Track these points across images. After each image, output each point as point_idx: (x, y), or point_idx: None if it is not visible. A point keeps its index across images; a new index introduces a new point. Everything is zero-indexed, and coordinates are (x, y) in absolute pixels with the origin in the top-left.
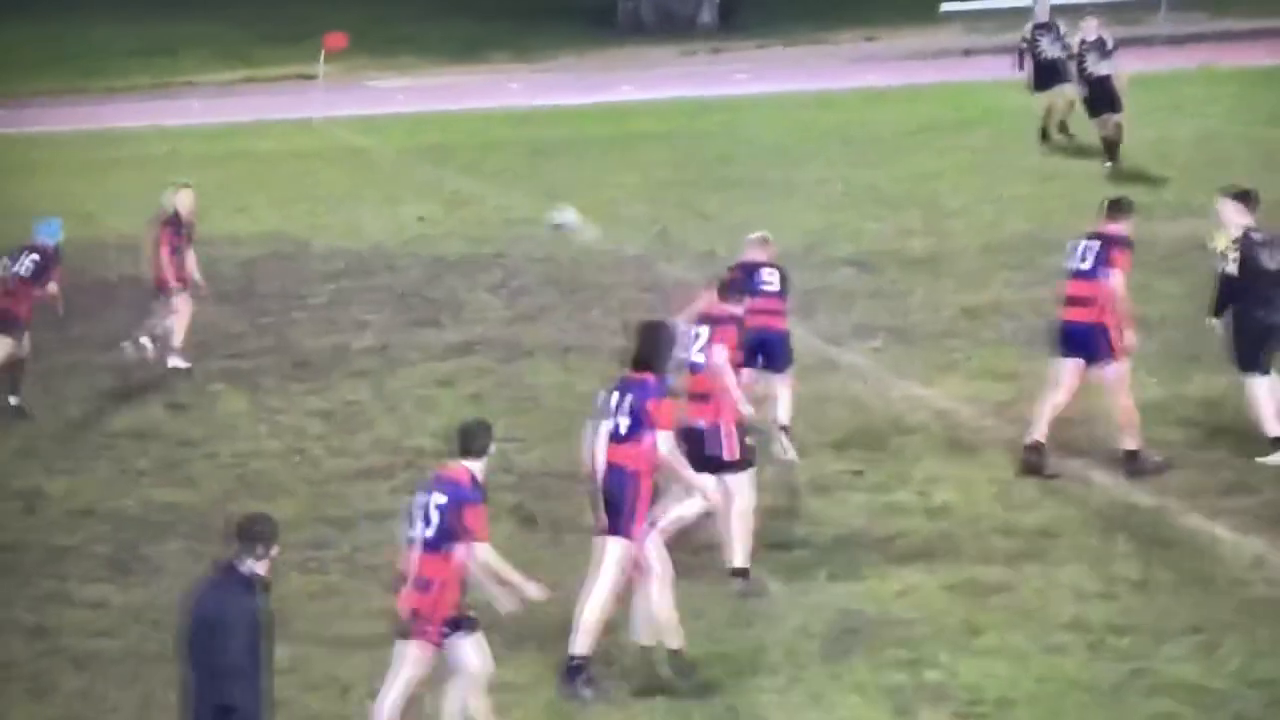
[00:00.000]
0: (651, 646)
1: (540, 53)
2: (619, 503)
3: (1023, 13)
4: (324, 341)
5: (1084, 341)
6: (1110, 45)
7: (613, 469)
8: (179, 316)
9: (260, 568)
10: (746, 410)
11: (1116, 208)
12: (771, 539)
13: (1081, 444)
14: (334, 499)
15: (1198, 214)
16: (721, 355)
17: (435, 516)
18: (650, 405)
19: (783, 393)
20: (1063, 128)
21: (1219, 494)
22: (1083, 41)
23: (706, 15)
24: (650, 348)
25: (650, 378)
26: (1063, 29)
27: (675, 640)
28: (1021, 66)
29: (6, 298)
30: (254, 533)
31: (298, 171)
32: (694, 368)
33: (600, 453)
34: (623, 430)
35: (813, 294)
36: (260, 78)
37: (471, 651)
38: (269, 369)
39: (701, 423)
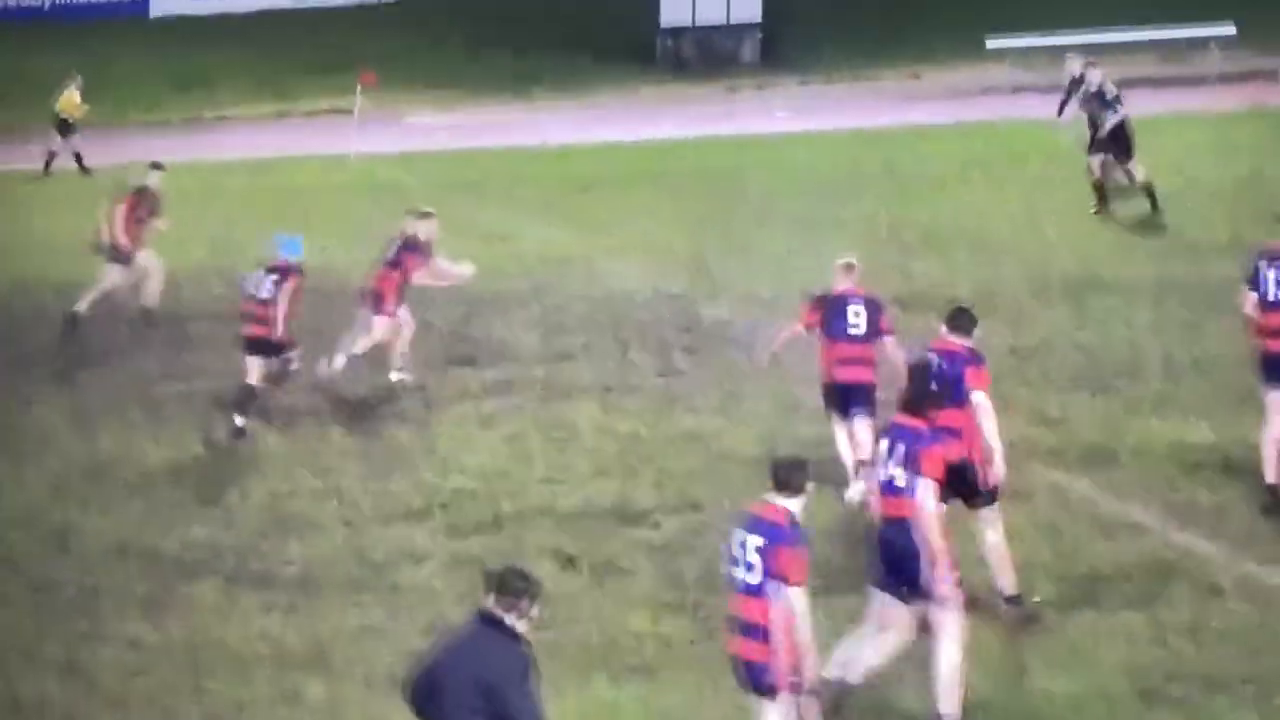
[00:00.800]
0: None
1: (581, 89)
2: (899, 559)
3: (1072, 49)
4: (362, 380)
5: None
6: (1111, 94)
7: (891, 523)
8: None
9: (522, 626)
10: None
11: None
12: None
13: (1131, 486)
14: (372, 540)
15: (1250, 253)
16: (982, 396)
17: (756, 560)
18: (923, 453)
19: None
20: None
21: (1274, 540)
22: (1074, 81)
23: (748, 52)
24: (922, 391)
25: (924, 425)
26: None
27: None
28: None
29: (257, 323)
30: (518, 589)
31: (335, 207)
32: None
33: (876, 507)
34: (899, 483)
35: None
36: (296, 111)
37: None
38: (306, 408)
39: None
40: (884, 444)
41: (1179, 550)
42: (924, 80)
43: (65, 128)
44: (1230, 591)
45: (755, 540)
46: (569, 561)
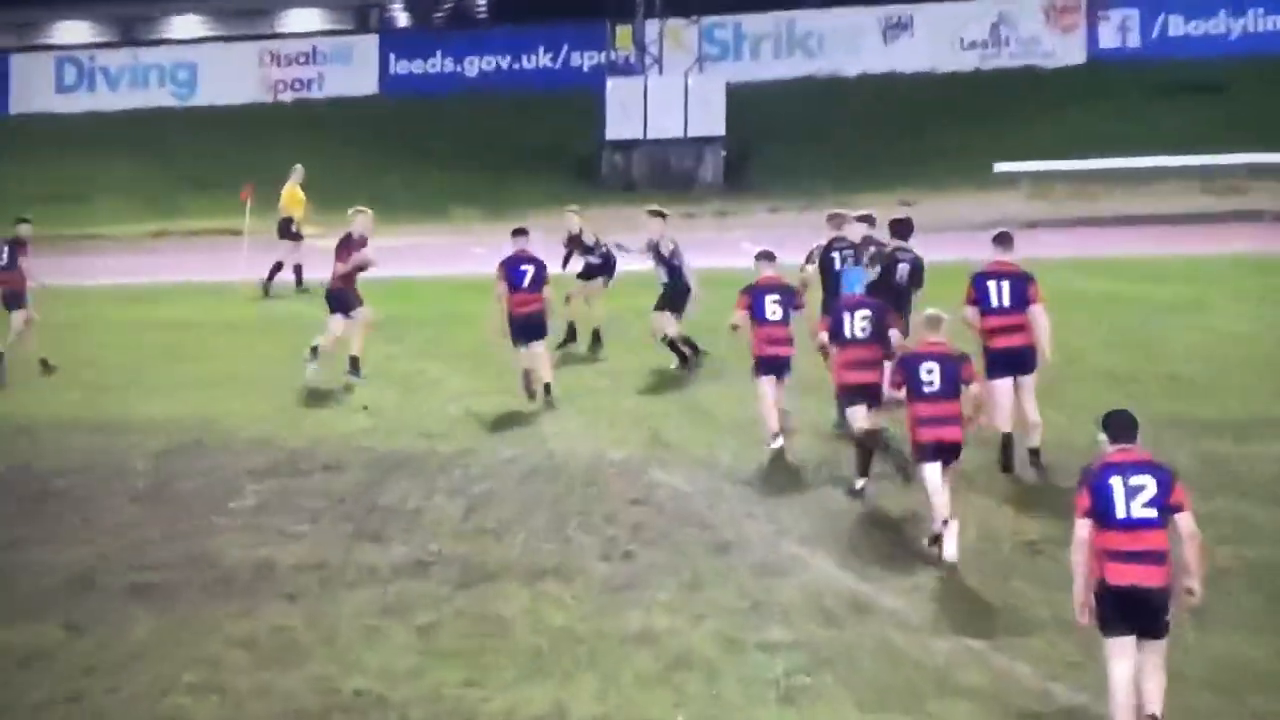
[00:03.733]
0: None
1: (513, 210)
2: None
3: (1094, 176)
4: (249, 555)
5: None
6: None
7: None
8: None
9: None
10: None
11: None
12: None
13: None
14: None
15: None
16: None
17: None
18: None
19: None
20: None
21: None
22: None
23: (709, 171)
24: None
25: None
26: None
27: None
28: None
29: None
30: None
31: (224, 345)
32: None
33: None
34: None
35: None
36: (176, 231)
37: None
38: (184, 585)
39: None
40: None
41: None
42: (918, 209)
43: None
44: None
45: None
46: None
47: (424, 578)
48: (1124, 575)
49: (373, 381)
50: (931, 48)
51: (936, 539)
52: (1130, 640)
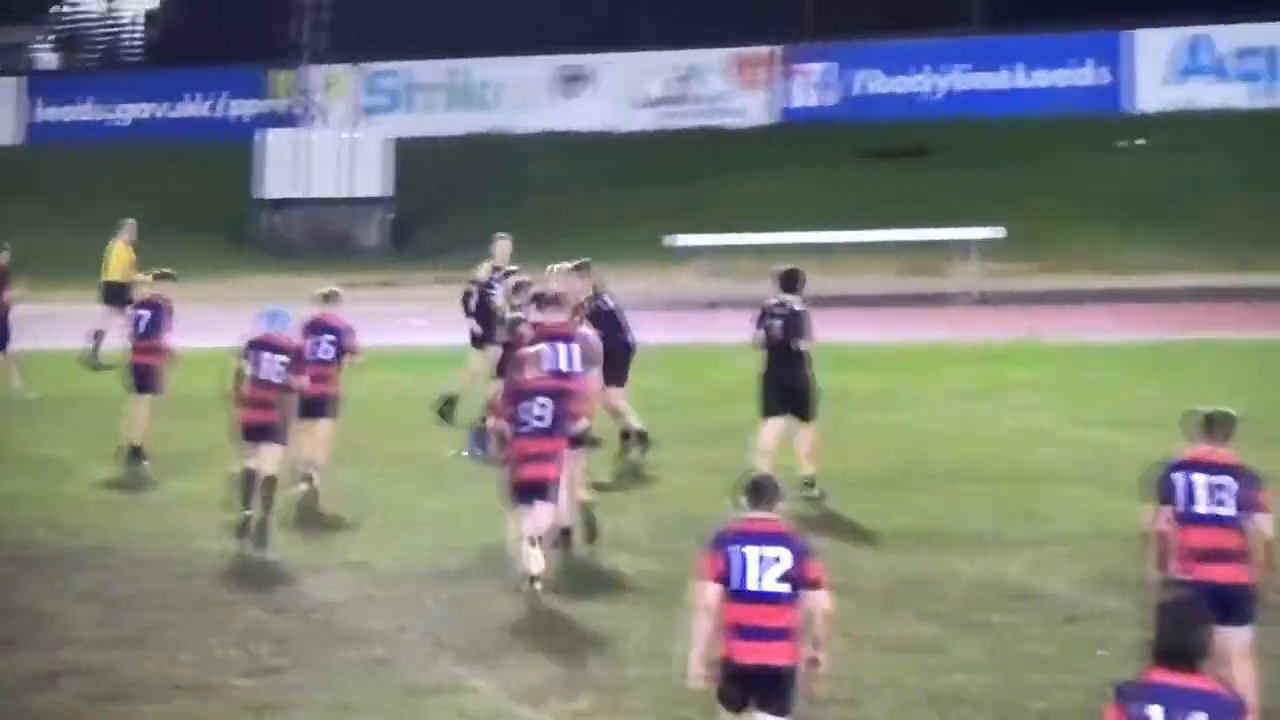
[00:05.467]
0: None
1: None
2: None
3: (782, 251)
4: None
5: None
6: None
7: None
8: None
9: None
10: None
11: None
12: None
13: None
14: None
15: None
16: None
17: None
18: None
19: None
20: None
21: None
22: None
23: (375, 236)
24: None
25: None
26: None
27: None
28: None
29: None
30: None
31: None
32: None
33: None
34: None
35: None
36: None
37: None
38: None
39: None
40: (1155, 714)
41: None
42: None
43: None
44: None
45: None
46: None
47: (52, 690)
48: (751, 654)
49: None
50: (612, 104)
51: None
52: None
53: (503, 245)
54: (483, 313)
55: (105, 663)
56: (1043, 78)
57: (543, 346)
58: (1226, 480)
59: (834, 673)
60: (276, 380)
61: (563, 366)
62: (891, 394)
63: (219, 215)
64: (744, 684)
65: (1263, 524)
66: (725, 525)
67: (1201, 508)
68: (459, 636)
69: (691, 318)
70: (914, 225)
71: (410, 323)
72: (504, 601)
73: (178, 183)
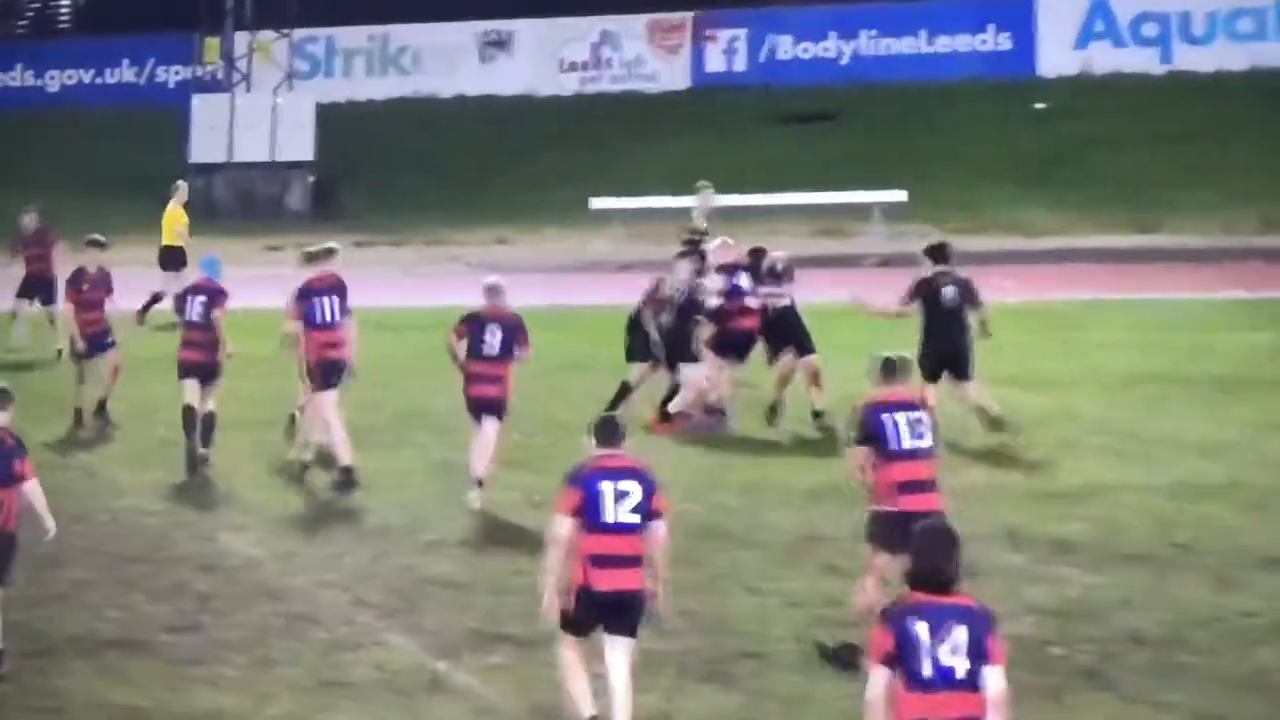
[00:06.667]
0: None
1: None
2: None
3: (688, 215)
4: None
5: None
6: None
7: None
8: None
9: None
10: None
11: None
12: None
13: None
14: None
15: None
16: None
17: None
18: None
19: None
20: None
21: None
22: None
23: (297, 199)
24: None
25: (975, 603)
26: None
27: None
28: None
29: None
30: None
31: None
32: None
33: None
34: (960, 674)
35: None
36: None
37: None
38: None
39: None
40: (921, 630)
41: None
42: (515, 248)
43: None
44: None
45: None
46: None
47: None
48: (610, 580)
49: None
50: (533, 68)
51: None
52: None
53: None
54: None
55: (33, 618)
56: (947, 43)
57: None
58: (922, 415)
59: (742, 628)
60: (198, 320)
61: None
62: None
63: (154, 180)
64: (598, 610)
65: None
66: (580, 463)
67: (906, 443)
68: (377, 593)
69: (609, 280)
70: (823, 189)
71: None
72: (421, 558)
73: (111, 149)
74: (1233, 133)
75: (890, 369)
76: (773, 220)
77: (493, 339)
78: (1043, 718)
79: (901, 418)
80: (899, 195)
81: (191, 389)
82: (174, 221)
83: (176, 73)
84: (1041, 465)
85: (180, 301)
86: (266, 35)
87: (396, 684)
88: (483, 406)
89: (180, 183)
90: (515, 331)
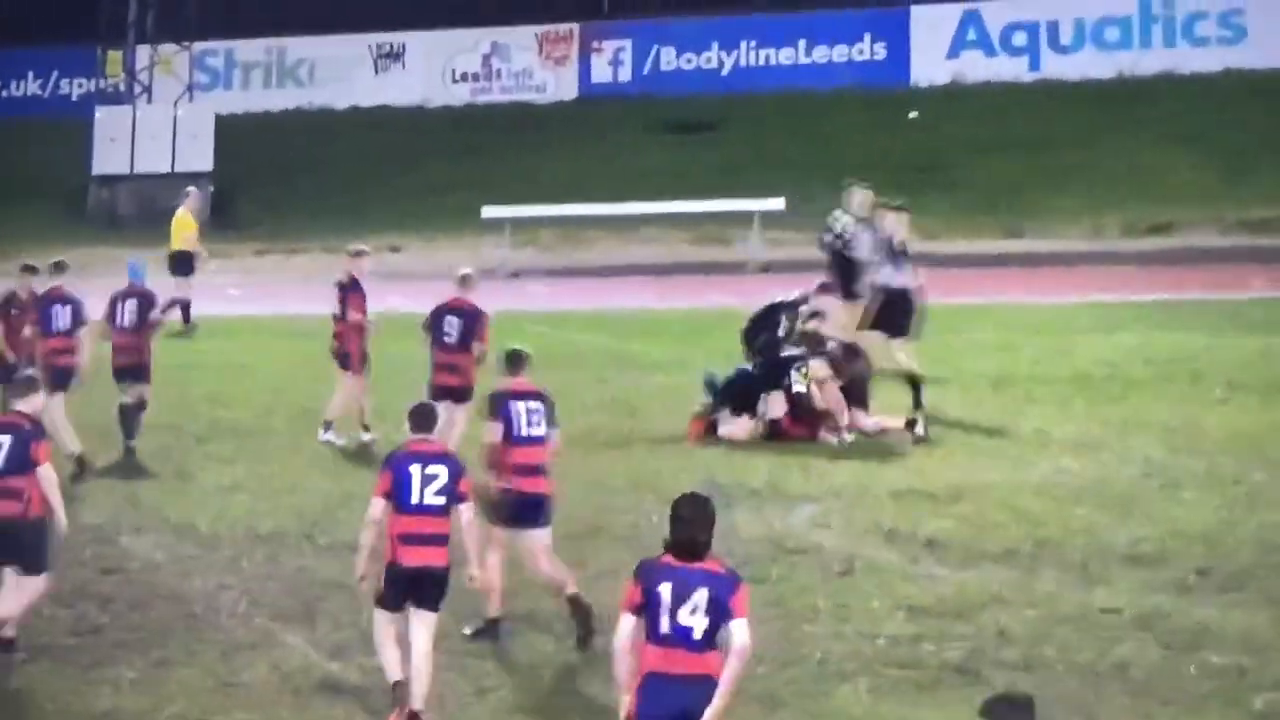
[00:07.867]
0: None
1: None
2: None
3: (582, 222)
4: None
5: None
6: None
7: (690, 682)
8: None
9: None
10: None
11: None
12: None
13: None
14: None
15: None
16: None
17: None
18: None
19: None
20: None
21: None
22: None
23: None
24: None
25: (723, 569)
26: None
27: None
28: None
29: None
30: None
31: None
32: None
33: (650, 665)
34: (697, 635)
35: None
36: None
37: None
38: None
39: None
40: (665, 590)
41: None
42: (407, 256)
43: None
44: None
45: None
46: None
47: None
48: (415, 557)
49: None
50: (424, 79)
51: None
52: (401, 615)
53: (861, 195)
54: (843, 265)
55: None
56: (824, 54)
57: None
58: (537, 405)
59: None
60: (128, 325)
61: None
62: (683, 361)
63: (54, 190)
64: (406, 585)
65: (558, 439)
66: (395, 448)
67: (523, 430)
68: (273, 595)
69: (498, 287)
70: (704, 197)
71: (227, 292)
72: (315, 561)
73: (15, 160)
74: (1099, 139)
75: (514, 361)
76: (656, 228)
77: (450, 329)
78: (915, 712)
79: (522, 406)
80: (777, 203)
81: (132, 391)
82: (183, 228)
83: (80, 85)
84: (912, 465)
85: (112, 308)
86: (168, 48)
87: (291, 684)
88: (444, 394)
89: (191, 188)
90: (473, 322)
